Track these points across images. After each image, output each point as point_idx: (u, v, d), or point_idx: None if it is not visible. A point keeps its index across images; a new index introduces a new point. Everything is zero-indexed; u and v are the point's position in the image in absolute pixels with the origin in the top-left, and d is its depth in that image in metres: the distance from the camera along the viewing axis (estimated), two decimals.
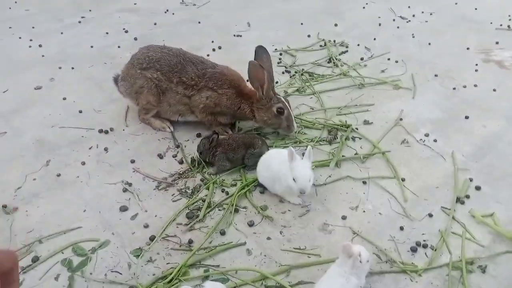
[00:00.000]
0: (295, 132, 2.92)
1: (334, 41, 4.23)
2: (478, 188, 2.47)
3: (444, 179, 2.56)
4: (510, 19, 4.45)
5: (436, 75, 3.64)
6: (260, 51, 2.83)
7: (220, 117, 2.91)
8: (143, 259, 2.13)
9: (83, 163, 2.72)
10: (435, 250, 2.11)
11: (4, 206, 2.40)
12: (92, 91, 3.44)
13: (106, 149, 2.84)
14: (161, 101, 2.91)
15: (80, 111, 3.19)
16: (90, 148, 2.86)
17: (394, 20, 4.67)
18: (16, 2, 5.07)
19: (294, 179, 2.24)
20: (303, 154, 2.44)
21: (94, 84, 3.53)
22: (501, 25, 4.40)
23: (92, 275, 2.06)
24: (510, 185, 2.50)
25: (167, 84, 2.86)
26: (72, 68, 3.75)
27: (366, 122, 3.07)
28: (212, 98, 2.82)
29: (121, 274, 2.07)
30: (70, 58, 3.90)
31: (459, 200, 2.38)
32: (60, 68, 3.74)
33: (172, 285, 1.98)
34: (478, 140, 2.88)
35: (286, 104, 2.80)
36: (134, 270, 2.08)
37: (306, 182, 2.24)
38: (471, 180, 2.53)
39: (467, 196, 2.42)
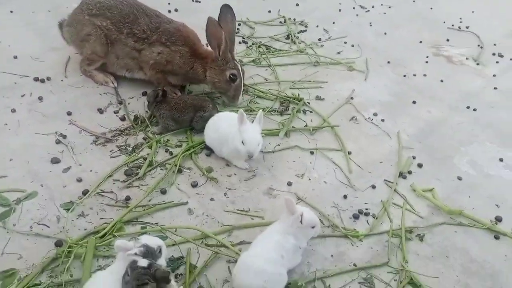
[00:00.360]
0: (247, 98, 2.84)
1: (294, 19, 4.19)
2: (420, 165, 2.54)
3: (388, 155, 2.61)
4: (461, 21, 4.63)
5: (389, 62, 3.70)
6: (225, 10, 2.68)
7: (170, 76, 2.76)
8: (74, 213, 1.98)
9: (13, 111, 2.48)
10: (376, 218, 2.14)
11: None
12: (31, 37, 3.15)
13: (40, 98, 2.61)
14: (109, 53, 2.71)
15: (15, 57, 2.92)
16: (22, 96, 2.61)
17: (354, 8, 4.71)
18: None
19: (243, 142, 2.16)
20: (252, 122, 2.40)
21: (34, 30, 3.24)
22: (452, 25, 4.57)
23: (16, 227, 1.88)
24: (449, 165, 2.59)
25: (116, 35, 2.66)
26: (11, 11, 3.41)
27: (318, 98, 3.06)
28: (164, 54, 2.66)
29: (48, 227, 1.90)
30: (11, 0, 3.54)
31: (401, 175, 2.43)
32: None
33: (105, 241, 1.85)
34: (423, 124, 2.96)
35: (241, 73, 2.69)
36: (63, 224, 1.92)
37: (255, 146, 2.17)
38: (414, 158, 2.59)
39: (409, 172, 2.47)
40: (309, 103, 2.97)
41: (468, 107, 3.21)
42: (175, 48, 2.67)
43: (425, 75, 3.59)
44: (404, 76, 3.55)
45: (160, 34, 2.66)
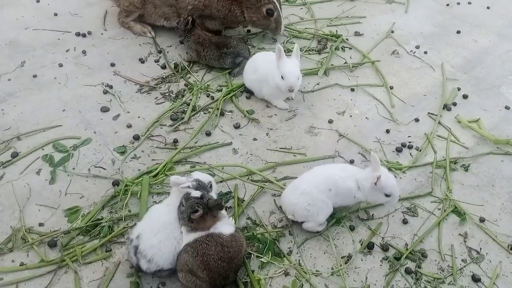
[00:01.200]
0: (283, 39, 2.81)
1: None
2: (465, 96, 2.47)
3: (432, 88, 2.54)
4: None
5: None
6: None
7: (208, 21, 2.76)
8: (127, 156, 2.09)
9: (60, 65, 2.59)
10: (420, 150, 2.13)
11: None
12: None
13: (84, 52, 2.70)
14: (146, 3, 2.73)
15: (55, 14, 2.99)
16: (67, 51, 2.71)
17: None
18: None
19: (282, 77, 2.16)
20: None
21: None
22: None
23: (75, 170, 2.02)
24: (496, 95, 2.50)
25: None
26: None
27: (357, 34, 2.97)
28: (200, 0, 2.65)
29: (105, 169, 2.03)
30: None
31: (446, 107, 2.38)
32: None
33: (158, 179, 1.97)
34: (468, 54, 2.84)
35: (277, 5, 2.66)
36: (118, 166, 2.04)
37: (294, 79, 2.16)
38: (459, 89, 2.52)
39: (454, 104, 2.42)
40: (347, 39, 2.90)
41: None
42: None
43: (469, 3, 3.39)
44: (447, 5, 3.36)
45: None
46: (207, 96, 2.45)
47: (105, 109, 2.32)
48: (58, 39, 2.80)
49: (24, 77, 2.50)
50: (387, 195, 1.70)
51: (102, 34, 2.87)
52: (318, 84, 2.54)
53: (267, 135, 2.23)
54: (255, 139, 2.21)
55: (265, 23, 2.69)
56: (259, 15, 2.65)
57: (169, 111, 2.33)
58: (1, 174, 1.98)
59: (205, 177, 1.71)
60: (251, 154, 2.12)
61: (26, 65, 2.58)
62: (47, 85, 2.46)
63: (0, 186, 1.92)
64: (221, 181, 1.97)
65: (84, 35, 2.83)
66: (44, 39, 2.79)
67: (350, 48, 2.83)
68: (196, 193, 1.56)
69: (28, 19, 2.95)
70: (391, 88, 2.51)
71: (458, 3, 3.37)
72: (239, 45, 2.57)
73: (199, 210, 1.49)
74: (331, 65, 2.67)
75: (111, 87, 2.46)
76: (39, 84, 2.46)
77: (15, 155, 2.05)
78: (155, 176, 1.97)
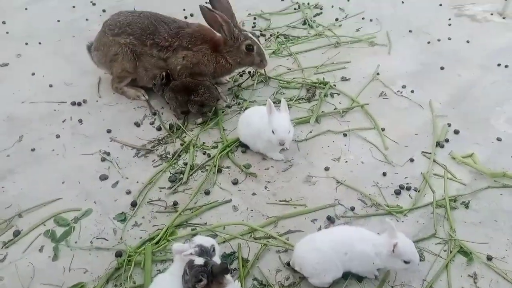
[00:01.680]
0: (273, 91, 2.89)
1: (308, 3, 4.17)
2: (456, 132, 2.51)
3: (423, 126, 2.59)
4: None
5: (410, 31, 3.64)
6: None
7: (199, 78, 2.85)
8: (129, 224, 2.10)
9: (58, 136, 2.64)
10: (419, 191, 2.15)
11: None
12: (61, 65, 3.31)
13: (80, 121, 2.75)
14: (137, 67, 2.83)
15: (51, 85, 3.08)
16: (63, 121, 2.76)
17: None
18: None
19: (273, 131, 2.21)
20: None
21: (63, 58, 3.40)
22: None
23: (77, 244, 2.02)
24: (486, 127, 2.55)
25: (141, 48, 2.77)
26: (39, 43, 3.59)
27: (343, 79, 3.06)
28: (188, 57, 2.75)
29: (107, 240, 2.03)
30: (37, 33, 3.73)
31: (438, 144, 2.42)
32: (26, 44, 3.58)
33: (160, 246, 1.96)
34: (454, 89, 2.91)
35: (255, 39, 2.73)
36: (120, 235, 2.04)
37: (284, 133, 2.20)
38: (449, 125, 2.57)
39: (447, 140, 2.46)
40: (335, 85, 2.98)
41: (499, 65, 3.14)
42: (196, 48, 2.76)
43: (450, 39, 3.51)
44: (428, 43, 3.48)
45: (180, 38, 2.75)
46: (204, 154, 2.49)
47: (104, 177, 2.34)
48: (54, 110, 2.86)
49: (23, 152, 2.53)
50: (406, 262, 1.66)
51: (97, 101, 2.94)
52: (311, 132, 2.59)
53: (265, 189, 2.25)
54: (254, 194, 2.22)
55: (249, 59, 2.77)
56: (241, 54, 2.74)
57: (162, 172, 2.34)
58: (4, 255, 1.97)
59: (207, 241, 1.71)
60: (252, 210, 2.13)
61: (24, 139, 2.63)
62: (46, 158, 2.49)
63: (3, 267, 1.91)
64: (223, 242, 1.96)
65: (79, 104, 2.90)
66: (41, 111, 2.85)
67: (338, 94, 2.91)
68: (200, 260, 1.55)
69: (24, 93, 3.03)
70: (383, 130, 2.56)
71: (439, 40, 3.50)
72: (205, 93, 2.63)
73: (203, 279, 1.48)
74: (322, 112, 2.73)
75: (108, 154, 2.49)
76: (38, 157, 2.49)
77: (17, 233, 2.05)
78: (157, 243, 1.97)
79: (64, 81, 3.13)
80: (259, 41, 2.76)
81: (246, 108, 2.74)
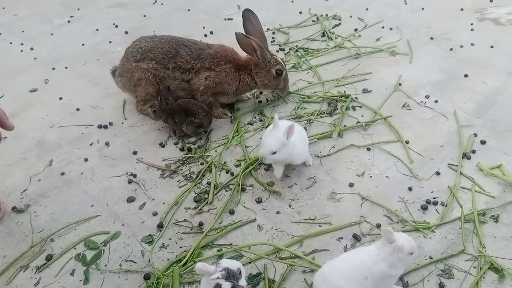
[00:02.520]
0: (294, 106, 2.91)
1: (326, 15, 4.18)
2: (483, 142, 2.45)
3: (448, 137, 2.54)
4: None
5: (432, 38, 3.59)
6: (246, 14, 2.84)
7: (221, 97, 2.92)
8: (156, 246, 2.13)
9: (86, 160, 2.72)
10: (446, 205, 2.10)
11: (14, 208, 2.40)
12: (87, 88, 3.42)
13: (107, 144, 2.83)
14: (161, 89, 2.89)
15: (78, 109, 3.18)
16: (91, 144, 2.85)
17: None
18: (4, 8, 5.03)
19: None
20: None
21: (89, 81, 3.51)
22: None
23: (107, 267, 2.06)
24: None
25: (164, 72, 2.85)
26: (66, 67, 3.73)
27: (365, 91, 3.04)
28: (211, 77, 2.82)
29: (135, 262, 2.07)
30: (63, 58, 3.88)
31: (465, 156, 2.36)
32: (53, 68, 3.72)
33: (187, 268, 1.98)
34: (479, 97, 2.85)
35: (284, 65, 2.84)
36: (148, 257, 2.08)
37: (263, 151, 2.18)
38: (475, 135, 2.51)
39: (473, 151, 2.40)
40: (356, 98, 2.96)
41: None
42: (219, 68, 2.82)
43: (473, 44, 3.45)
44: (451, 49, 3.42)
45: (203, 60, 2.82)
46: (227, 173, 2.51)
47: (131, 199, 2.40)
48: (82, 133, 2.96)
49: (53, 176, 2.62)
50: (411, 254, 1.64)
51: (122, 123, 3.02)
52: (333, 147, 2.58)
53: (289, 207, 2.25)
54: (278, 212, 2.23)
55: (275, 83, 2.86)
56: (270, 77, 2.82)
57: (187, 192, 2.38)
58: (37, 279, 2.03)
59: (233, 264, 1.72)
60: (276, 229, 2.13)
61: (53, 163, 2.72)
62: (75, 181, 2.57)
63: None
64: (249, 262, 1.97)
65: (106, 127, 2.98)
66: (69, 135, 2.95)
67: (360, 107, 2.89)
68: (227, 285, 1.56)
69: (52, 117, 3.14)
70: (407, 142, 2.52)
71: (461, 46, 3.44)
72: (206, 117, 2.73)
73: None
74: (344, 126, 2.72)
75: (135, 176, 2.55)
76: (67, 181, 2.58)
77: (49, 257, 2.12)
78: (184, 264, 1.99)
79: (90, 104, 3.23)
80: (285, 68, 2.87)
81: (268, 125, 2.76)
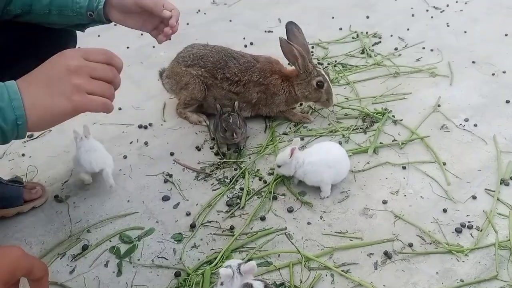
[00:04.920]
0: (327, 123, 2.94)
1: (367, 32, 4.20)
2: None
3: (486, 162, 2.50)
4: None
5: (473, 62, 3.55)
6: (290, 26, 2.88)
7: (274, 107, 2.98)
8: (188, 245, 2.18)
9: (125, 157, 2.82)
10: (481, 230, 2.07)
11: (56, 196, 2.52)
12: (130, 89, 3.55)
13: (146, 143, 2.93)
14: (206, 96, 3.00)
15: (120, 109, 3.30)
16: (130, 143, 2.95)
17: (427, 10, 4.59)
18: None
19: None
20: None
21: (132, 82, 3.64)
22: None
23: (140, 261, 2.13)
24: None
25: (212, 80, 2.95)
26: None
27: (403, 110, 3.03)
28: (261, 91, 2.91)
29: (167, 259, 2.12)
30: None
31: (503, 182, 2.32)
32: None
33: (217, 268, 2.02)
34: None
35: (326, 77, 2.82)
36: (179, 255, 2.13)
37: (276, 161, 2.42)
38: None
39: (511, 178, 2.36)
40: (394, 116, 2.96)
41: None
42: (267, 81, 2.91)
43: None
44: (493, 74, 3.38)
45: (250, 73, 2.91)
46: (259, 180, 2.55)
47: (166, 198, 2.47)
48: (123, 132, 3.07)
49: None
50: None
51: (161, 125, 3.12)
52: (368, 163, 2.58)
53: (321, 219, 2.26)
54: (309, 223, 2.24)
55: (316, 95, 2.86)
56: (310, 89, 2.84)
57: (220, 196, 2.43)
58: (73, 267, 2.12)
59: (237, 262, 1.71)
60: (306, 239, 2.15)
61: None
62: (114, 177, 2.63)
63: (72, 279, 2.06)
64: (278, 269, 1.99)
65: (145, 127, 3.09)
66: (110, 132, 3.07)
67: (397, 125, 2.88)
68: (259, 284, 1.59)
69: (95, 115, 3.22)
70: (444, 164, 2.50)
71: (504, 72, 3.38)
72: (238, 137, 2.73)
73: None
74: (380, 142, 2.72)
75: (171, 176, 2.63)
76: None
77: (85, 247, 2.21)
78: (214, 265, 2.04)
79: (132, 105, 3.35)
80: (329, 80, 2.86)
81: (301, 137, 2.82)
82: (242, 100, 2.95)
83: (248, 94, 2.94)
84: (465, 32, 4.08)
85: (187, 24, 4.68)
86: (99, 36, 4.50)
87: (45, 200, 2.49)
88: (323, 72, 2.83)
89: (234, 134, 2.68)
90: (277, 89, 2.91)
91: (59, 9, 1.92)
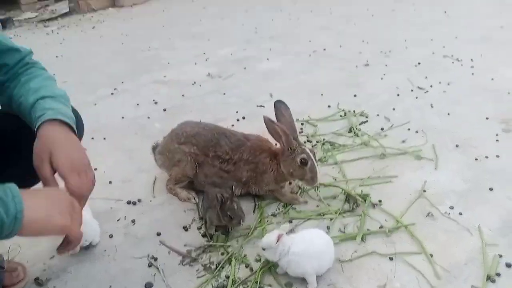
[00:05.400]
0: (315, 203, 2.96)
1: (354, 111, 4.35)
2: (508, 265, 2.41)
3: (472, 254, 2.52)
4: None
5: (457, 145, 3.67)
6: (278, 104, 3.00)
7: (264, 185, 3.01)
8: None
9: (111, 236, 2.79)
10: None
11: (36, 279, 2.45)
12: (122, 161, 3.59)
13: (133, 221, 2.91)
14: (197, 173, 3.04)
15: (110, 182, 3.32)
16: (118, 220, 2.94)
17: (412, 90, 4.80)
18: (54, 74, 5.42)
19: None
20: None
21: (124, 154, 3.69)
22: None
23: None
24: None
25: (203, 158, 3.01)
26: (104, 138, 3.94)
27: (389, 194, 3.08)
28: (251, 170, 2.96)
29: None
30: (103, 128, 4.11)
31: (489, 279, 2.32)
32: (92, 138, 3.93)
33: None
34: (505, 213, 2.85)
35: (311, 155, 2.85)
36: None
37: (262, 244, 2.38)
38: (500, 256, 2.48)
39: (498, 274, 2.36)
40: (380, 201, 3.00)
41: None
42: (257, 159, 2.97)
43: (498, 156, 3.50)
44: (476, 159, 3.48)
45: (241, 152, 2.98)
46: (246, 267, 2.52)
47: (149, 285, 2.41)
48: (111, 208, 3.06)
49: (97, 250, 2.67)
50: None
51: (150, 201, 3.12)
52: (355, 251, 2.58)
53: None
54: None
55: (300, 173, 2.88)
56: (295, 166, 2.86)
57: (205, 285, 2.38)
58: None
59: None
60: None
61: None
62: (98, 257, 2.62)
63: None
64: None
65: (134, 203, 3.09)
66: (99, 208, 3.04)
67: (383, 210, 2.91)
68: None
69: None
70: (431, 256, 2.50)
71: (487, 157, 3.49)
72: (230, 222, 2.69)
73: None
74: (367, 230, 2.74)
75: (155, 259, 2.59)
76: (91, 257, 2.63)
77: None
78: None
79: (122, 178, 3.37)
80: (315, 158, 2.89)
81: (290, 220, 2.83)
82: (232, 179, 2.98)
83: (238, 173, 2.98)
84: (448, 114, 4.25)
85: (183, 95, 4.83)
86: (95, 104, 4.62)
87: (25, 284, 2.42)
88: (307, 150, 2.86)
89: (241, 221, 2.68)
90: (266, 168, 2.96)
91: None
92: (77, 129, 1.92)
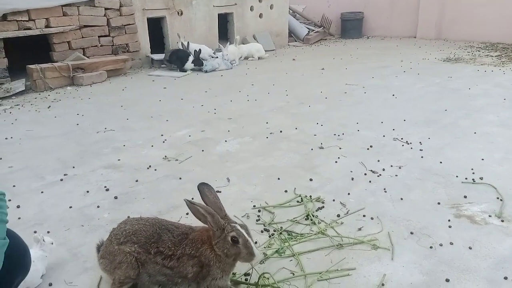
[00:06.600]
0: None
1: (310, 196, 4.36)
2: None
3: None
4: (473, 173, 4.74)
5: (411, 233, 3.70)
6: (201, 187, 2.94)
7: (215, 281, 2.83)
8: None
9: None
10: None
11: None
12: (65, 259, 3.33)
13: None
14: (140, 273, 2.85)
15: (50, 284, 3.04)
16: None
17: (365, 174, 4.91)
18: (1, 159, 5.18)
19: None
20: None
21: (68, 250, 3.44)
22: (466, 178, 4.67)
23: None
24: None
25: (145, 256, 2.83)
26: (48, 232, 3.68)
27: None
28: (195, 264, 2.79)
29: None
30: (47, 220, 3.86)
31: None
32: (35, 232, 3.66)
33: None
34: None
35: (242, 231, 2.72)
36: None
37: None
38: None
39: None
40: None
41: (505, 278, 3.08)
42: (199, 252, 2.81)
43: (451, 243, 3.54)
44: (431, 247, 3.50)
45: (184, 246, 2.84)
46: None
47: None
48: None
49: None
50: None
51: None
52: None
53: None
54: None
55: (235, 251, 2.74)
56: (228, 245, 2.73)
57: None
58: None
59: None
60: None
61: None
62: None
63: None
64: None
65: None
66: None
67: None
68: None
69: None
70: None
71: (441, 245, 3.53)
72: None
73: None
74: None
75: None
76: None
77: None
78: None
79: (65, 279, 3.10)
80: (248, 234, 2.77)
81: None
82: (177, 276, 2.81)
83: (183, 269, 2.79)
84: (401, 199, 4.34)
85: (136, 181, 4.69)
86: (42, 192, 4.37)
87: None
88: (237, 227, 2.75)
89: None
90: (208, 260, 2.78)
91: None
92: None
